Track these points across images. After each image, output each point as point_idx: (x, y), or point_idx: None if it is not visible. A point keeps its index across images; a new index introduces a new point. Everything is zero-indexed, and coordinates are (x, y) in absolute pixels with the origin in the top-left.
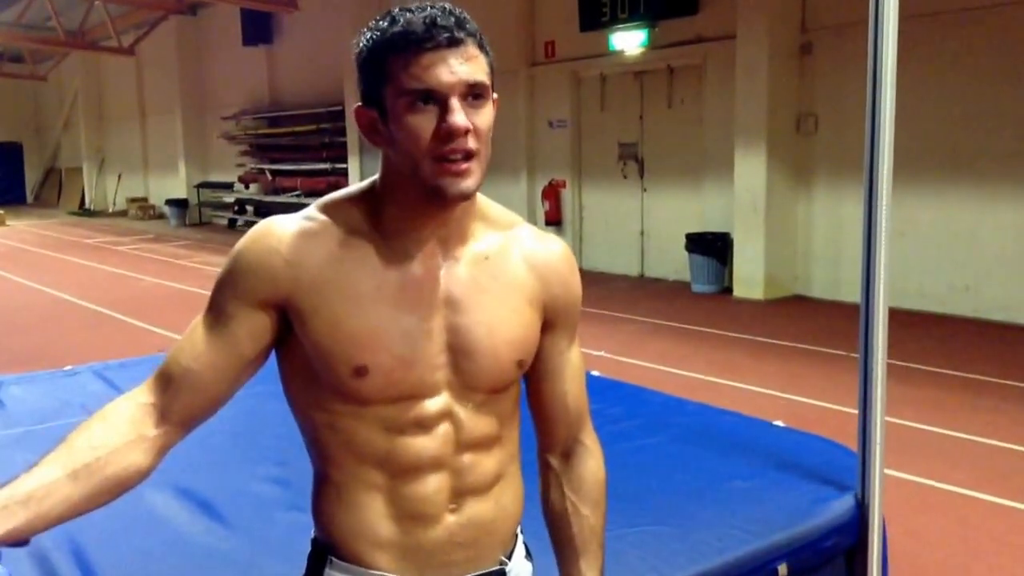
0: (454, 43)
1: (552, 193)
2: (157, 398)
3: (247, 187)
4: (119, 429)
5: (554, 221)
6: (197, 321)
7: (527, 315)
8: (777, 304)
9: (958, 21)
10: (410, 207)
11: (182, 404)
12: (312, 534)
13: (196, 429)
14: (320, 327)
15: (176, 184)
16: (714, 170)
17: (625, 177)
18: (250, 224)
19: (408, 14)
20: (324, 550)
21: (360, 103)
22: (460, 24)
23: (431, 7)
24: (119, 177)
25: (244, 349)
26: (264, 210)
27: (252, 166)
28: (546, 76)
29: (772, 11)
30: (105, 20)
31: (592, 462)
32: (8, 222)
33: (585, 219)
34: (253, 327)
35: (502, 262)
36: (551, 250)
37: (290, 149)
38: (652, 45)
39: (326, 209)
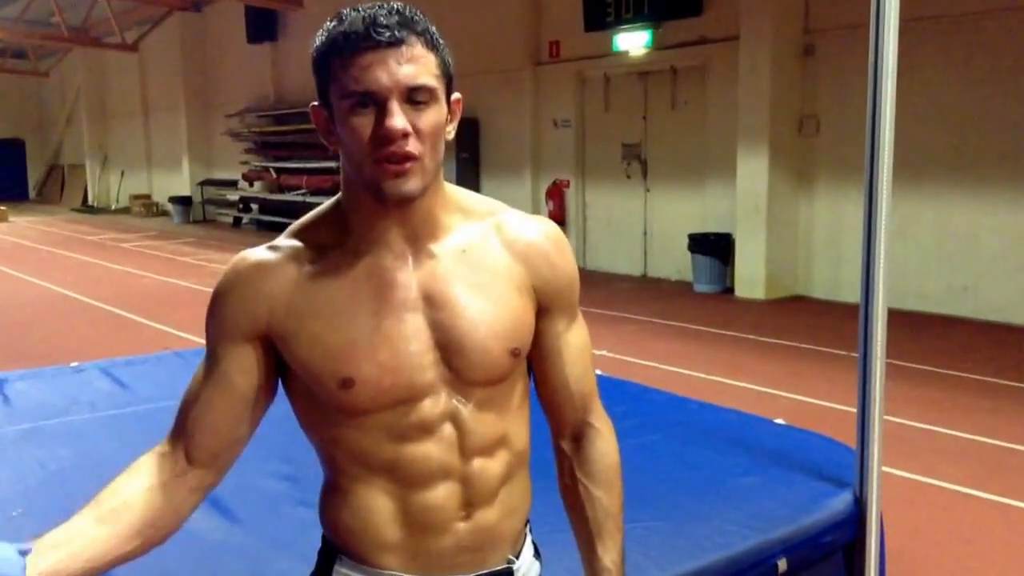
0: (394, 43)
1: (556, 193)
2: (176, 444)
3: (251, 185)
4: (142, 477)
5: (558, 220)
6: (197, 371)
7: (515, 302)
8: (778, 304)
9: (959, 24)
10: (370, 209)
11: (200, 446)
12: (321, 531)
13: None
14: (301, 348)
15: (180, 181)
16: (717, 171)
17: (628, 177)
18: (256, 223)
19: (354, 13)
20: (333, 547)
21: (315, 102)
22: (404, 23)
23: (379, 5)
24: (122, 174)
25: (239, 386)
26: (269, 208)
27: (256, 164)
28: (550, 76)
29: (775, 13)
30: (108, 16)
31: (602, 444)
32: (11, 219)
33: (588, 219)
34: (242, 363)
35: (482, 252)
36: (535, 231)
37: (295, 147)
38: (656, 46)
39: (295, 233)
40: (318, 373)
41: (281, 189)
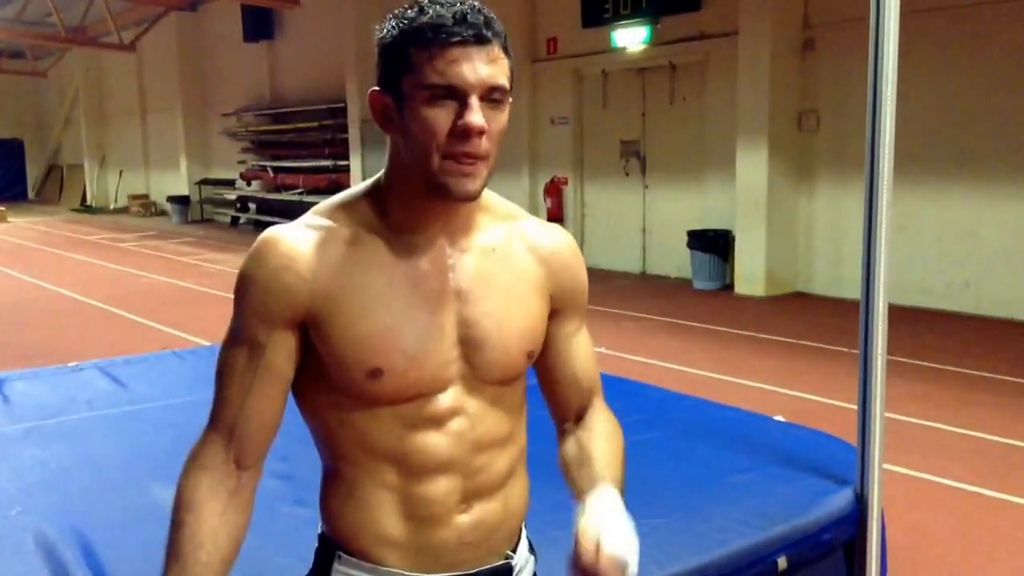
0: (481, 41)
1: (554, 190)
2: (225, 454)
3: (249, 184)
4: (209, 515)
5: (556, 218)
6: (230, 360)
7: (535, 305)
8: (778, 300)
9: (959, 17)
10: (417, 200)
11: (251, 447)
12: (319, 529)
13: (202, 423)
14: (334, 332)
15: (178, 181)
16: (716, 167)
17: (627, 174)
18: (253, 223)
19: (438, 6)
20: (332, 545)
21: (376, 87)
22: (488, 24)
23: (459, 2)
24: (120, 174)
25: (286, 372)
26: (266, 207)
27: (254, 163)
28: (548, 73)
29: (774, 7)
30: (105, 16)
31: (606, 414)
32: (10, 219)
33: (587, 216)
34: (288, 348)
35: (508, 253)
36: (556, 239)
37: (292, 146)
38: (654, 42)
39: (328, 213)
40: (347, 360)
41: (279, 188)
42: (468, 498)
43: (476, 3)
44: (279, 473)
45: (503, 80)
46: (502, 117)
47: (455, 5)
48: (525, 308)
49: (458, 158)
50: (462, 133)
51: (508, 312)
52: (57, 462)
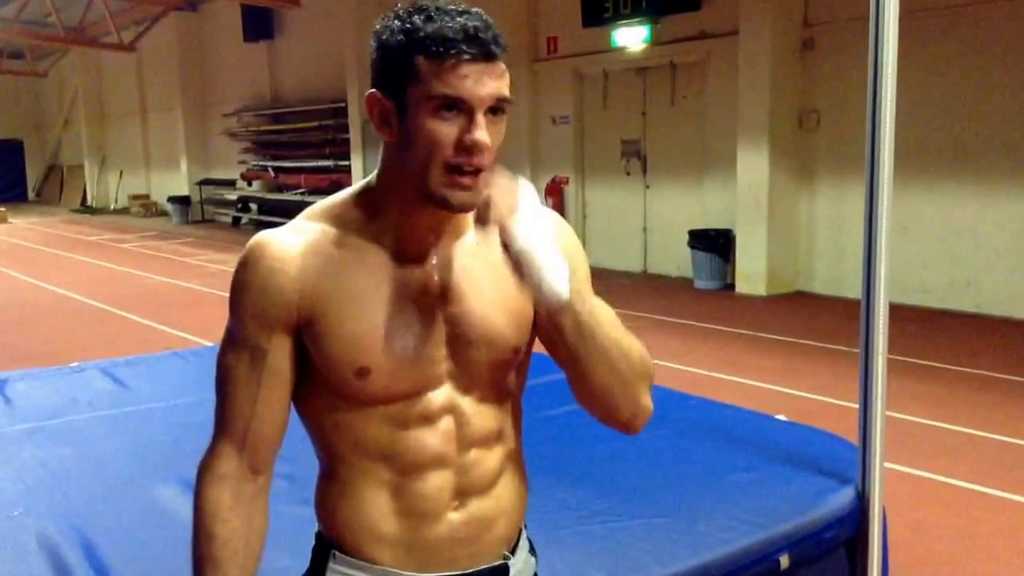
0: (491, 57)
1: (555, 190)
2: (239, 461)
3: (250, 184)
4: (238, 523)
5: None
6: (232, 367)
7: (520, 295)
8: (779, 300)
9: (959, 16)
10: (409, 204)
11: (264, 452)
12: (316, 528)
13: (204, 423)
14: (323, 331)
15: (178, 181)
16: (717, 166)
17: (628, 174)
18: (255, 223)
19: (445, 16)
20: (328, 544)
21: (375, 90)
22: (496, 38)
23: (466, 12)
24: (120, 174)
25: (289, 374)
26: (268, 207)
27: (255, 163)
28: (548, 72)
29: (775, 6)
30: (105, 16)
31: None
32: (10, 219)
33: (588, 216)
34: (287, 352)
35: (491, 246)
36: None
37: (292, 146)
38: (655, 41)
39: (317, 216)
40: (334, 358)
41: (280, 188)
42: (460, 494)
43: (480, 11)
44: (279, 473)
45: (506, 91)
46: (502, 127)
47: (461, 15)
48: (512, 302)
49: (460, 171)
50: (468, 148)
51: (494, 308)
52: (59, 463)
